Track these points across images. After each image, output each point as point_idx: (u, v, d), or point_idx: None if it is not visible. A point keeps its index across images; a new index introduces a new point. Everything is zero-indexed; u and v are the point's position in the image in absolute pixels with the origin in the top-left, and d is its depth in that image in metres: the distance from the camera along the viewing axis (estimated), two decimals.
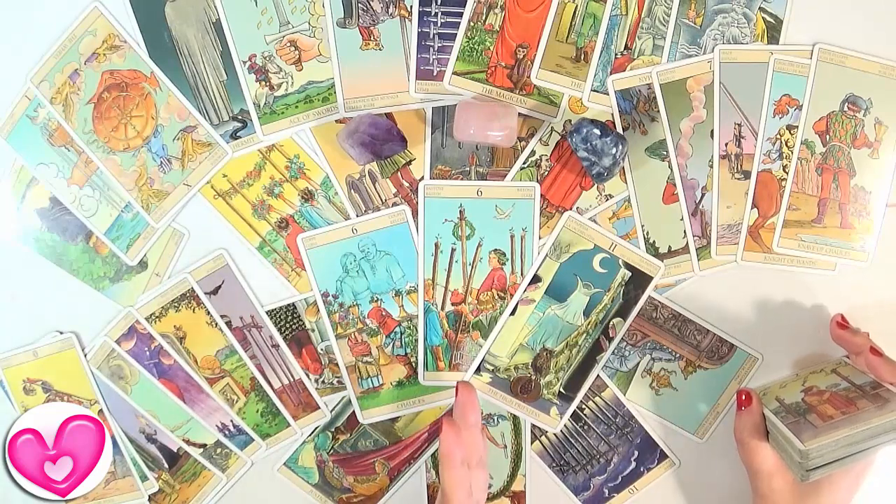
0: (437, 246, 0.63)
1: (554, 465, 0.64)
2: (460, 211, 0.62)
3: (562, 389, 0.63)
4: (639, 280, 0.62)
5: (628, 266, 0.62)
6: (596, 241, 0.62)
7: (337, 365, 0.64)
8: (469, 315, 0.63)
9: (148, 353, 0.64)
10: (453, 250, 0.63)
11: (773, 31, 0.60)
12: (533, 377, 0.63)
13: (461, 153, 0.62)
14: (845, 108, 0.60)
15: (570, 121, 0.62)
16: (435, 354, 0.64)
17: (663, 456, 0.64)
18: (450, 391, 0.64)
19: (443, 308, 0.63)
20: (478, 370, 0.64)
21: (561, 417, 0.64)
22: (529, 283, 0.62)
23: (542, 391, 0.63)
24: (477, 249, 0.63)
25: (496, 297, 0.63)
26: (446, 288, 0.63)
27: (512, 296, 0.63)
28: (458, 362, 0.64)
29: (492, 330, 0.63)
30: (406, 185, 0.63)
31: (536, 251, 0.62)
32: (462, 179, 0.62)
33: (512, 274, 0.63)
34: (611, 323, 0.63)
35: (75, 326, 0.65)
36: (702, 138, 0.61)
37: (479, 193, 0.62)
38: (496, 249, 0.62)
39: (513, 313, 0.63)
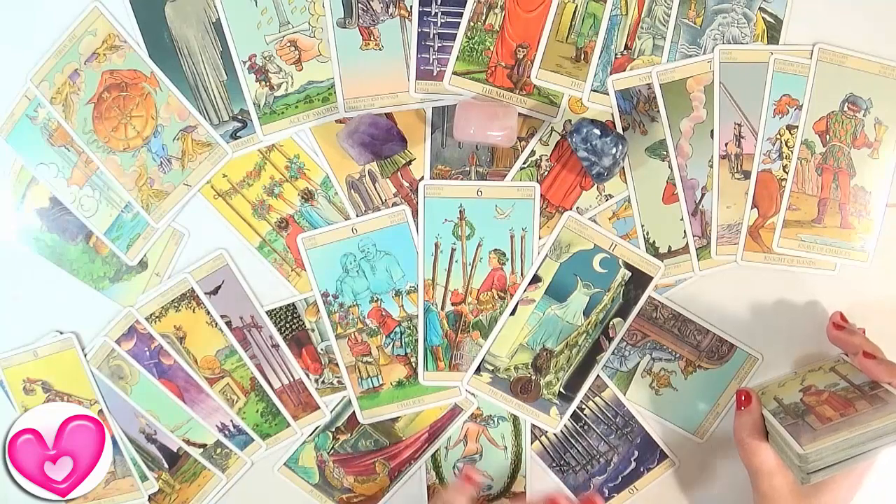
0: (437, 246, 0.63)
1: (554, 465, 0.64)
2: (460, 211, 0.62)
3: (562, 389, 0.63)
4: (639, 280, 0.62)
5: (628, 266, 0.62)
6: (596, 241, 0.62)
7: (337, 365, 0.64)
8: (469, 315, 0.63)
9: (148, 353, 0.64)
10: (453, 250, 0.63)
11: (773, 31, 0.60)
12: (533, 377, 0.63)
13: (461, 153, 0.62)
14: (845, 108, 0.60)
15: (570, 121, 0.62)
16: (435, 354, 0.64)
17: (663, 456, 0.64)
18: (450, 391, 0.64)
19: (443, 308, 0.63)
20: (478, 370, 0.63)
21: (561, 417, 0.64)
22: (529, 283, 0.62)
23: (542, 391, 0.63)
24: (477, 249, 0.63)
25: (496, 296, 0.63)
26: (446, 288, 0.63)
27: (512, 296, 0.63)
28: (458, 362, 0.64)
29: (492, 330, 0.63)
30: (406, 185, 0.63)
31: (536, 251, 0.62)
32: (462, 179, 0.62)
33: (512, 274, 0.63)
34: (611, 323, 0.63)
35: (75, 326, 0.65)
36: (702, 138, 0.61)
37: (479, 193, 0.62)
38: (496, 249, 0.62)
39: (513, 313, 0.63)
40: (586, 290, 0.62)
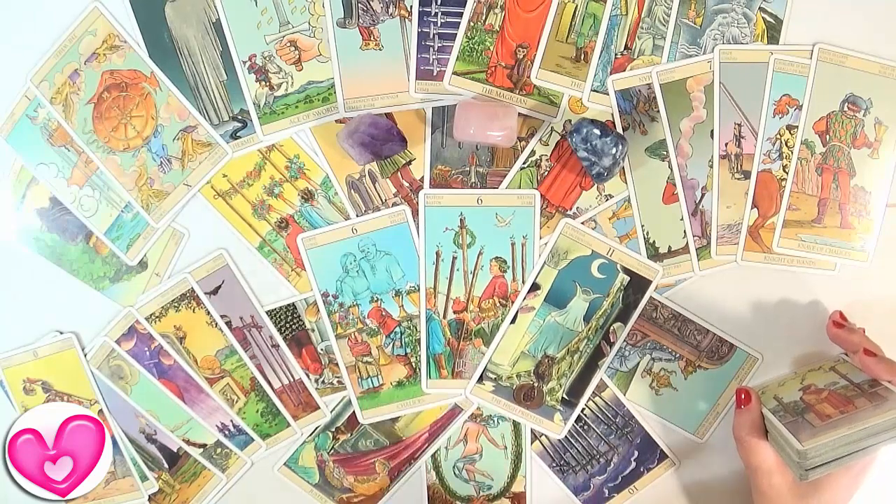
0: (438, 254, 0.63)
1: (554, 465, 0.64)
2: (461, 219, 0.62)
3: (565, 395, 0.63)
4: (638, 284, 0.62)
5: (627, 270, 0.62)
6: (593, 246, 0.62)
7: (337, 365, 0.64)
8: (471, 323, 0.63)
9: (148, 353, 0.64)
10: (454, 259, 0.63)
11: (772, 31, 0.60)
12: (535, 384, 0.63)
13: (461, 153, 0.62)
14: (845, 108, 0.60)
15: (570, 121, 0.62)
16: (437, 363, 0.64)
17: (663, 456, 0.64)
18: (450, 392, 0.64)
19: (445, 316, 0.63)
20: (480, 379, 0.63)
21: (565, 423, 0.63)
22: (529, 291, 0.62)
23: (545, 398, 0.63)
24: (478, 257, 0.63)
25: (498, 304, 0.63)
26: (448, 296, 0.63)
27: (513, 303, 0.63)
28: (460, 370, 0.64)
29: (494, 337, 0.63)
30: (406, 185, 0.63)
31: (537, 258, 0.62)
32: (462, 180, 0.62)
33: (513, 281, 0.63)
34: (611, 327, 0.62)
35: (75, 326, 0.65)
36: (702, 138, 0.61)
37: (480, 202, 0.62)
38: (497, 257, 0.62)
39: (513, 321, 0.63)
40: (585, 296, 0.62)
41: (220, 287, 0.64)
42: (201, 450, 0.65)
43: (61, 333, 0.64)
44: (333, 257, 0.63)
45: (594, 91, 0.61)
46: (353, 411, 0.65)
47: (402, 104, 0.62)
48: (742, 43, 0.60)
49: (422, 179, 0.62)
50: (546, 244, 0.62)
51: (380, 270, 0.63)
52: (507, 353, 0.63)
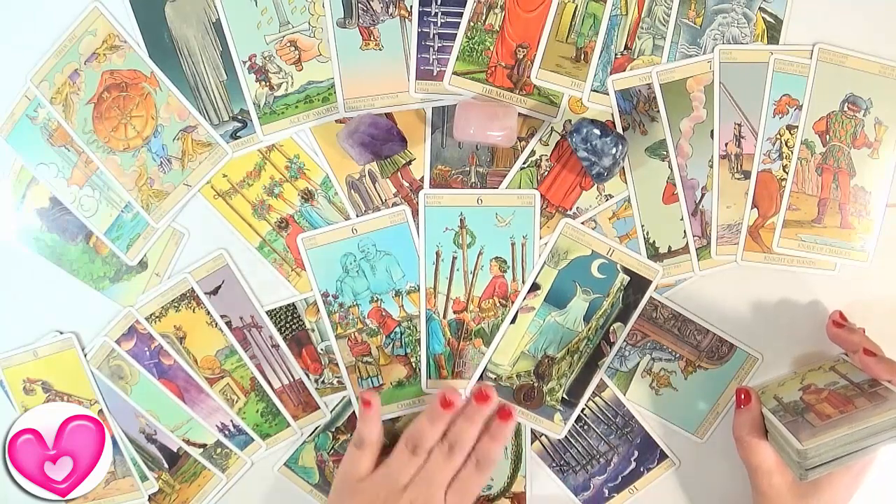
0: (438, 255, 0.63)
1: (554, 465, 0.64)
2: (461, 219, 0.62)
3: (565, 395, 0.63)
4: (638, 284, 0.62)
5: (627, 270, 0.62)
6: (593, 246, 0.62)
7: (337, 365, 0.64)
8: (471, 323, 0.63)
9: (148, 353, 0.64)
10: (454, 259, 0.63)
11: (772, 31, 0.60)
12: (535, 384, 0.63)
13: (461, 153, 0.62)
14: (845, 108, 0.60)
15: (570, 121, 0.62)
16: (437, 363, 0.64)
17: (663, 456, 0.64)
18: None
19: (445, 316, 0.63)
20: (480, 379, 0.63)
21: (565, 423, 0.63)
22: (529, 291, 0.62)
23: (546, 398, 0.63)
24: (478, 257, 0.63)
25: (498, 304, 0.63)
26: (448, 296, 0.63)
27: (513, 303, 0.63)
28: (460, 370, 0.64)
29: (494, 337, 0.63)
30: (406, 185, 0.63)
31: (537, 258, 0.62)
32: (462, 180, 0.62)
33: (513, 281, 0.63)
34: (611, 328, 0.62)
35: (75, 326, 0.65)
36: (702, 138, 0.61)
37: (480, 202, 0.62)
38: (497, 257, 0.62)
39: (513, 321, 0.63)
40: (585, 296, 0.62)
41: (220, 287, 0.64)
42: (201, 450, 0.65)
43: (61, 333, 0.64)
44: (333, 257, 0.63)
45: (594, 91, 0.61)
46: (353, 411, 0.65)
47: (402, 104, 0.62)
48: (742, 43, 0.60)
49: (422, 179, 0.62)
50: (546, 244, 0.62)
51: (380, 270, 0.63)
52: (507, 353, 0.63)
